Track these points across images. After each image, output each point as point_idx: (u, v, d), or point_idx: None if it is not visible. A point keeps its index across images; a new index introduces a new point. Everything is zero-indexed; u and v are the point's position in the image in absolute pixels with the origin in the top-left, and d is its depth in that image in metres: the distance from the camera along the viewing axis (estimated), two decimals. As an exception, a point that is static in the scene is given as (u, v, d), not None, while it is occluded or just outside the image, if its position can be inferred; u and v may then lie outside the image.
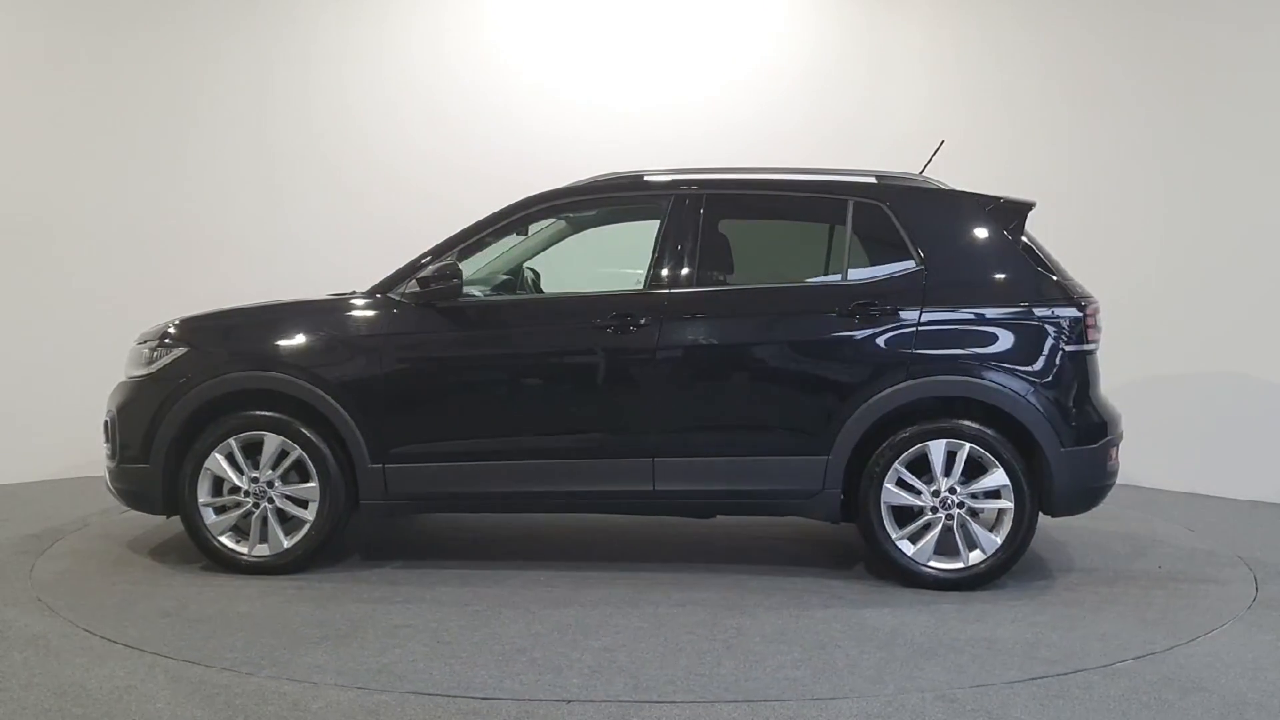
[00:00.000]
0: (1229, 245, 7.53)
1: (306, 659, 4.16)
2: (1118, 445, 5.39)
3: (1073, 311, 5.23)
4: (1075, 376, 5.23)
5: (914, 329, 5.18)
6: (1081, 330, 5.23)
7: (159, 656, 4.17)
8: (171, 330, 5.55)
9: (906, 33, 9.53)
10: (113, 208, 7.84)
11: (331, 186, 8.44)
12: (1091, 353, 5.31)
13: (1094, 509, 5.47)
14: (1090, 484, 5.30)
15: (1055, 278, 5.31)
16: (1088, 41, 8.27)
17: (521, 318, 5.51)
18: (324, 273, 7.15)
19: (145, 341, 5.62)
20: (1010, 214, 5.40)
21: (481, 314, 5.44)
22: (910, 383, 5.15)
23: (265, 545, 5.31)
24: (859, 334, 5.19)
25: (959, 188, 5.63)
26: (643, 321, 5.22)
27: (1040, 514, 5.25)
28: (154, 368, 5.48)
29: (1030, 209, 5.44)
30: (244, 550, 5.33)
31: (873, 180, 5.53)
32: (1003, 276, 5.31)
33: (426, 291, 5.30)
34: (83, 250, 7.76)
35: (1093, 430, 5.24)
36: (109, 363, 7.78)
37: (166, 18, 7.97)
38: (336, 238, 8.11)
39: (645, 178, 5.62)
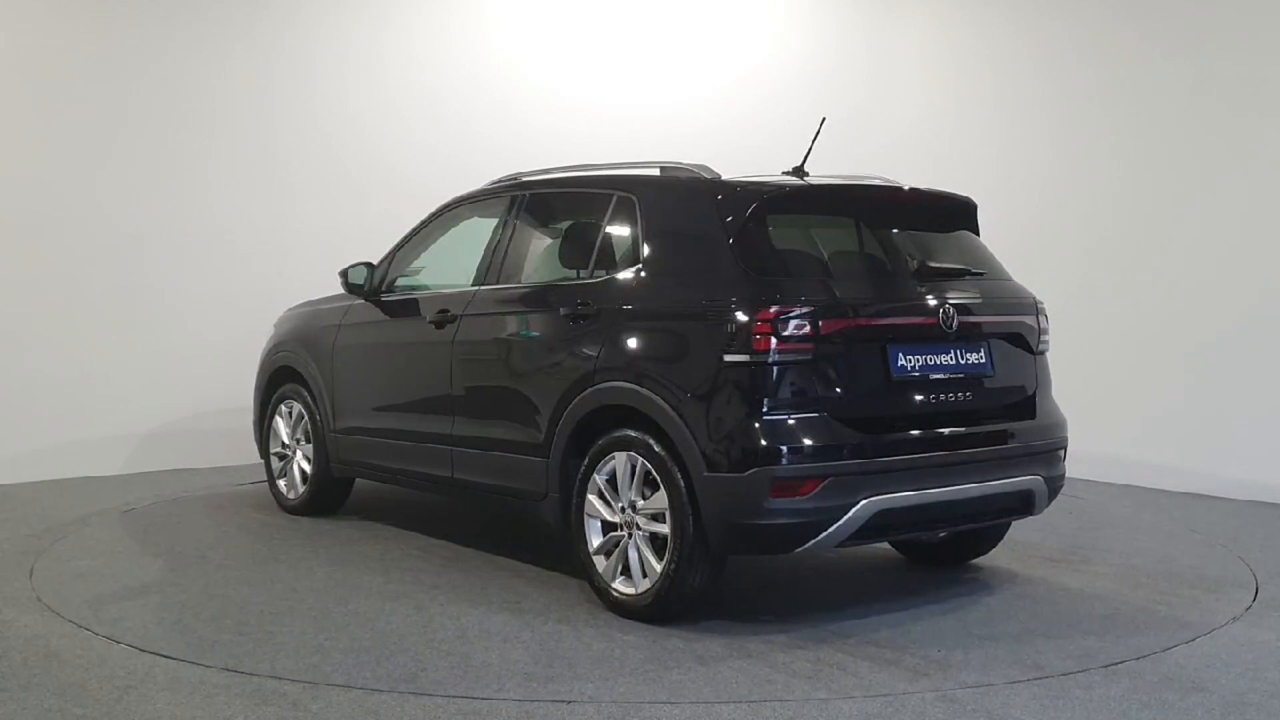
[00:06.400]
0: (1228, 244, 7.53)
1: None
2: (802, 480, 4.30)
3: (738, 316, 4.38)
4: (733, 391, 4.36)
5: (606, 331, 4.80)
6: (746, 338, 4.35)
7: (159, 656, 4.16)
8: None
9: (903, 34, 9.55)
10: (113, 208, 7.82)
11: (335, 185, 8.45)
12: (769, 365, 4.33)
13: (789, 551, 4.55)
14: (737, 520, 4.36)
15: (766, 278, 4.49)
16: (1082, 42, 8.29)
17: (397, 312, 6.06)
18: (325, 272, 7.16)
19: None
20: (739, 202, 4.68)
21: (384, 309, 6.13)
22: (593, 389, 4.78)
23: (293, 491, 6.69)
24: (570, 336, 4.95)
25: (730, 176, 4.90)
26: (450, 318, 5.58)
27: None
28: (266, 346, 6.98)
29: (765, 195, 4.70)
30: (286, 492, 6.73)
31: (635, 174, 5.18)
32: (697, 274, 4.66)
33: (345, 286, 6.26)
34: (82, 250, 7.74)
35: (746, 455, 4.30)
36: (109, 362, 7.82)
37: (169, 19, 7.97)
38: (339, 237, 8.11)
39: (523, 178, 5.82)
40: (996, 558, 5.63)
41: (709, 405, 4.39)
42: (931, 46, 9.38)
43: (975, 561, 5.59)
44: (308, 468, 6.55)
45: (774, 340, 4.32)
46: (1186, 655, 4.32)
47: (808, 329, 4.37)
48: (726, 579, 5.03)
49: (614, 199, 5.12)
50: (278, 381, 6.78)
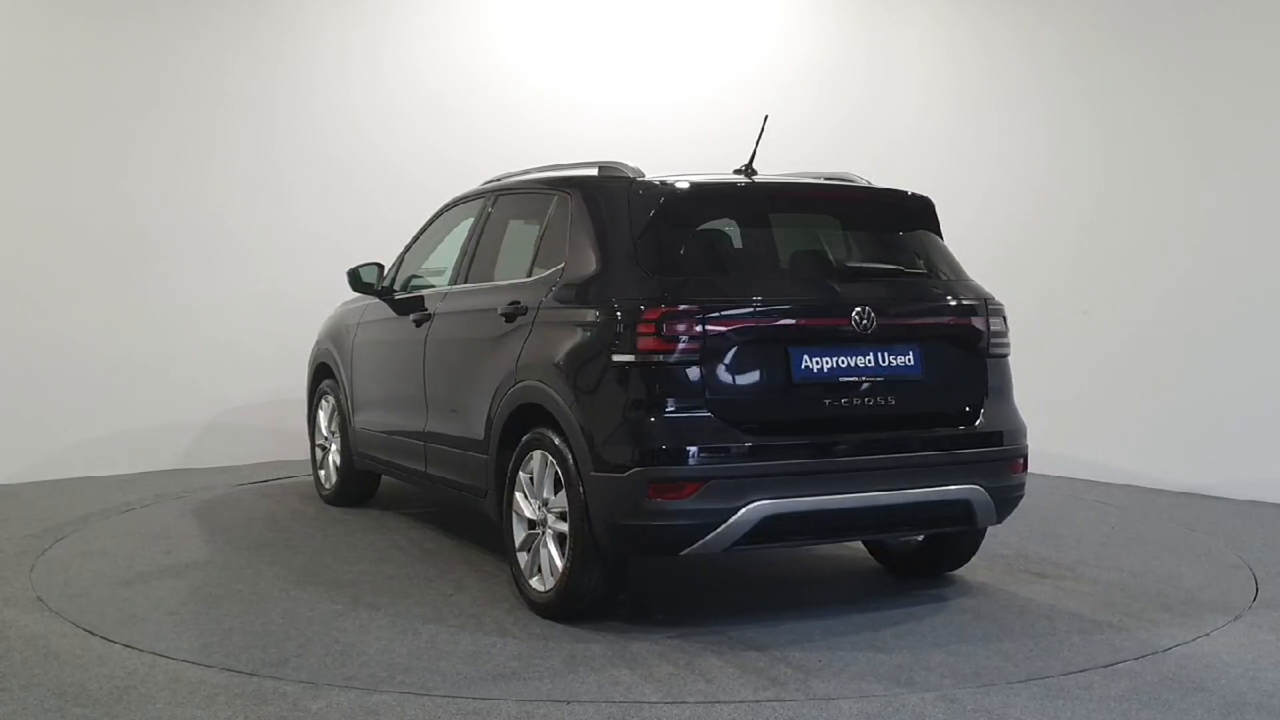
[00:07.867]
0: (1228, 243, 7.52)
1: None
2: (682, 482, 4.22)
3: (624, 316, 4.35)
4: (619, 391, 4.33)
5: (528, 330, 4.83)
6: (631, 338, 4.30)
7: (159, 656, 4.17)
8: None
9: (903, 34, 9.55)
10: (116, 210, 7.83)
11: (336, 186, 8.45)
12: (654, 365, 4.28)
13: (665, 554, 4.51)
14: (620, 520, 4.30)
15: (660, 278, 4.41)
16: (1081, 43, 8.30)
17: (395, 311, 6.15)
18: (325, 274, 7.17)
19: None
20: (646, 202, 4.63)
21: (388, 308, 6.24)
22: (514, 387, 4.83)
23: (328, 481, 6.98)
24: (503, 334, 4.98)
25: (654, 176, 4.79)
26: (427, 316, 5.73)
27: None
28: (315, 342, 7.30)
29: (673, 195, 4.66)
30: (323, 482, 7.05)
31: (576, 174, 5.15)
32: (604, 274, 4.61)
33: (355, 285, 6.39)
34: (84, 251, 7.75)
35: (627, 455, 4.25)
36: (108, 361, 7.82)
37: (174, 22, 7.97)
38: (341, 238, 8.12)
39: (504, 179, 5.88)
40: (978, 567, 5.39)
41: (598, 404, 4.38)
42: (931, 46, 9.38)
43: (955, 573, 5.34)
44: (337, 461, 6.81)
45: (658, 340, 4.26)
46: (1186, 655, 4.32)
47: (695, 329, 4.29)
48: (672, 579, 5.05)
49: (554, 199, 5.12)
50: (320, 377, 7.12)
